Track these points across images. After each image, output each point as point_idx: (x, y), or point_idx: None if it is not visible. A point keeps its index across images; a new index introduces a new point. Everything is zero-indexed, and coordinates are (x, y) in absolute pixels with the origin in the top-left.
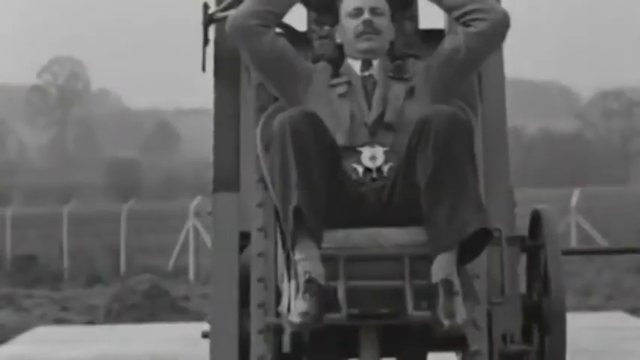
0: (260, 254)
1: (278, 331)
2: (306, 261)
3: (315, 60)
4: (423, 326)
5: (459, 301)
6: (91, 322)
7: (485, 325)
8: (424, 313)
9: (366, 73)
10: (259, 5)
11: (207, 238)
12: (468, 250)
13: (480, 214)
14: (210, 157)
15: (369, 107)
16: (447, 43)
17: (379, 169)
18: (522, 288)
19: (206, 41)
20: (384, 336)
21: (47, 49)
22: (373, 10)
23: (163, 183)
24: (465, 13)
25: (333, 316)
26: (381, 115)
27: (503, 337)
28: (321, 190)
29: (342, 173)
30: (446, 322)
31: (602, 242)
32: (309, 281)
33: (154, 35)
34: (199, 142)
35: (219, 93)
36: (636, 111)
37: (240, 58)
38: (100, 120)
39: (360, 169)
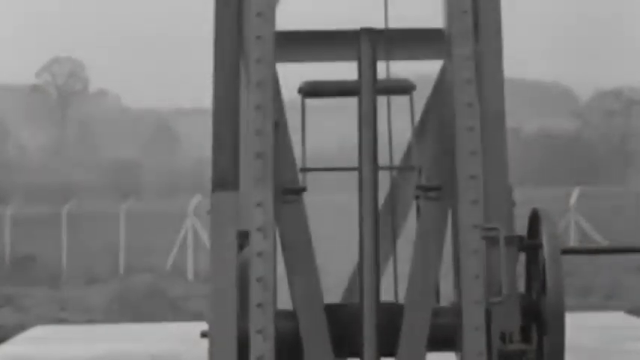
0: (259, 254)
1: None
2: None
3: None
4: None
5: None
6: (90, 322)
7: (484, 324)
8: None
9: None
10: None
11: (206, 238)
12: None
13: None
14: (209, 156)
15: None
16: None
17: None
18: (521, 287)
19: None
20: (384, 336)
21: (46, 49)
22: None
23: (162, 182)
24: None
25: None
26: None
27: (502, 337)
28: None
29: None
30: None
31: (602, 241)
32: None
33: (154, 35)
34: (198, 142)
35: (218, 93)
36: (635, 110)
37: (239, 57)
38: (99, 120)
39: None
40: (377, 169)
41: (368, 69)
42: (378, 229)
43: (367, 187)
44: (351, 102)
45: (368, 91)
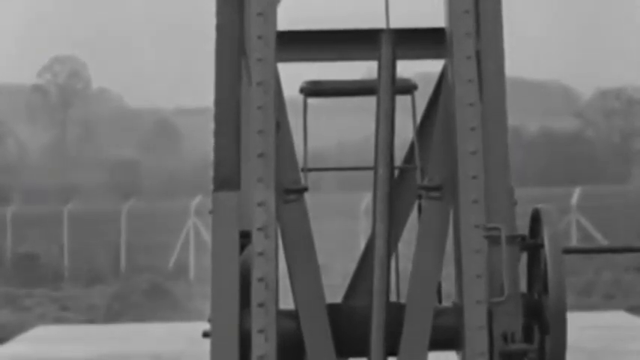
0: (260, 253)
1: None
2: None
3: None
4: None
5: None
6: (91, 322)
7: (486, 324)
8: None
9: None
10: None
11: (207, 237)
12: None
13: None
14: (211, 156)
15: None
16: None
17: None
18: (523, 287)
19: None
20: (387, 335)
21: (47, 49)
22: None
23: (164, 182)
24: None
25: None
26: None
27: (504, 336)
28: None
29: None
30: None
31: (603, 241)
32: None
33: (155, 34)
34: (200, 141)
35: (219, 92)
36: (637, 109)
37: (240, 56)
38: (100, 119)
39: None
40: (392, 169)
41: (387, 69)
42: (391, 229)
43: (382, 186)
44: (351, 102)
45: (386, 91)
